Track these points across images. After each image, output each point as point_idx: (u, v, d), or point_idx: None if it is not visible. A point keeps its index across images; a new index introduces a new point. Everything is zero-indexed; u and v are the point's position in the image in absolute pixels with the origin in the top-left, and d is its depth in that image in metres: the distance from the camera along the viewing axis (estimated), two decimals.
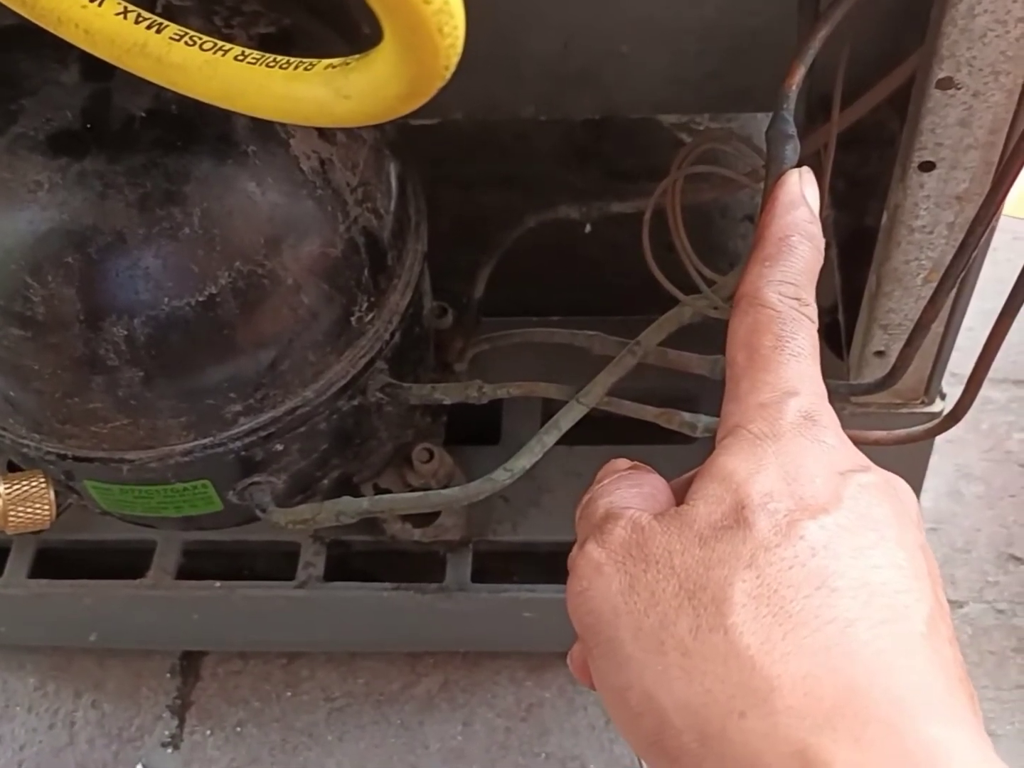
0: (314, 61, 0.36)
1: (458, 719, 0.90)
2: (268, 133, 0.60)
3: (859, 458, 0.37)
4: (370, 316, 0.68)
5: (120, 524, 0.80)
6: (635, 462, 0.41)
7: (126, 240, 0.58)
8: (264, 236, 0.60)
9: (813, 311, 0.40)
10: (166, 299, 0.59)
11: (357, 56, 0.34)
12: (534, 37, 0.75)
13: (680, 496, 0.37)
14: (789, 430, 0.36)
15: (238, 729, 0.91)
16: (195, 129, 0.59)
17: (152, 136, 0.58)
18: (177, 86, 0.40)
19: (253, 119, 0.56)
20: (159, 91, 0.57)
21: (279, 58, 0.37)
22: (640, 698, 0.33)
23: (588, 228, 0.81)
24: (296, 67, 0.36)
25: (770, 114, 1.01)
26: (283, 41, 0.63)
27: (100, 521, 0.81)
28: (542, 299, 0.97)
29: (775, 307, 0.39)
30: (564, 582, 0.88)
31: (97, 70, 0.59)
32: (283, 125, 0.60)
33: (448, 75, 0.31)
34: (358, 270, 0.66)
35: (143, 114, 0.59)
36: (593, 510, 0.38)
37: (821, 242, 0.43)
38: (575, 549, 0.38)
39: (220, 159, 0.59)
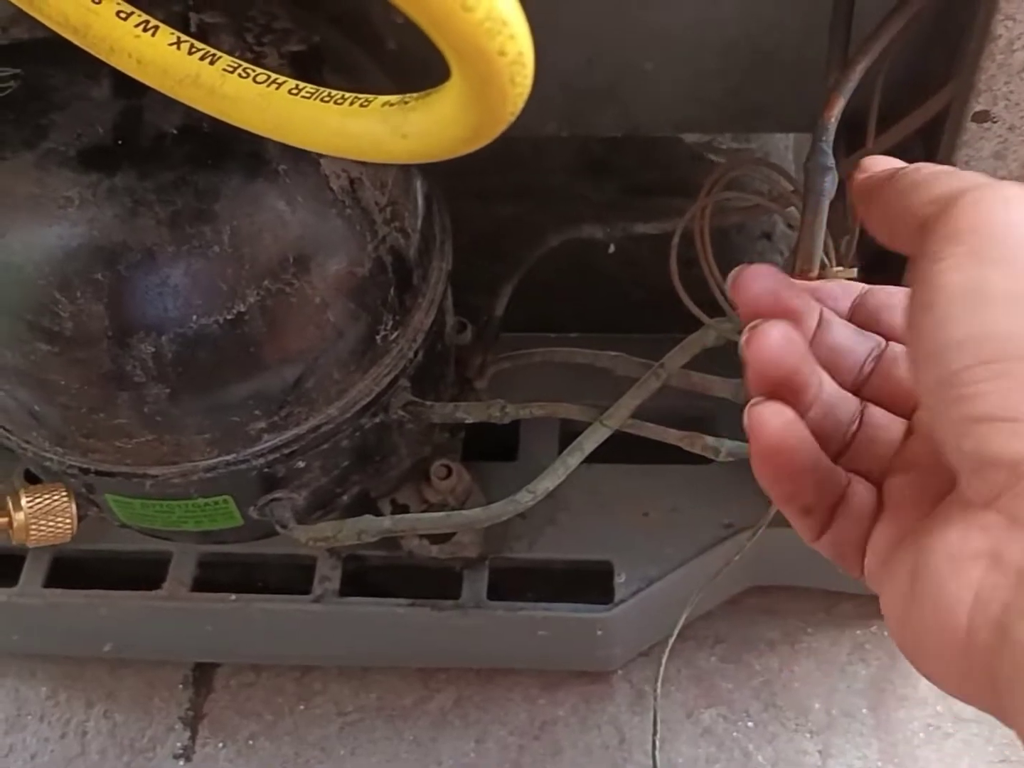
0: (370, 97, 0.36)
1: (471, 736, 0.90)
2: (299, 152, 0.59)
3: None
4: (395, 334, 0.68)
5: (136, 535, 0.80)
6: None
7: (155, 257, 0.57)
8: (293, 255, 0.60)
9: None
10: (194, 316, 0.58)
11: (416, 95, 0.34)
12: (557, 54, 0.75)
13: None
14: None
15: (250, 742, 0.90)
16: (226, 147, 0.59)
17: (183, 153, 0.58)
18: (229, 118, 0.40)
19: None
20: (191, 108, 0.58)
21: (334, 93, 0.37)
22: None
23: (612, 248, 0.81)
24: (352, 103, 0.36)
25: (788, 134, 1.02)
26: (313, 59, 0.63)
27: (116, 531, 0.81)
28: (559, 314, 0.97)
29: None
30: (579, 600, 0.87)
31: (129, 86, 0.59)
32: None
33: (512, 120, 0.31)
34: (384, 289, 0.66)
35: (174, 131, 0.59)
36: None
37: None
38: None
39: (251, 177, 0.59)
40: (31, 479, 0.84)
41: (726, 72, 0.76)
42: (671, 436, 0.70)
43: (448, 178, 0.74)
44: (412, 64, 0.72)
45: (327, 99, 0.37)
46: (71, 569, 0.88)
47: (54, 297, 0.58)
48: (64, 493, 0.66)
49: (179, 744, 0.91)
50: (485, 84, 0.28)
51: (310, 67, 0.62)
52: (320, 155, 0.61)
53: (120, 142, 0.58)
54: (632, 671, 0.93)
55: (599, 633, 0.85)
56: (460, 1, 0.24)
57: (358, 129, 0.36)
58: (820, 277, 0.55)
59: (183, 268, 0.58)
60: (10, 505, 0.65)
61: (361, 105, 0.36)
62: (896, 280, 0.69)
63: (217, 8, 0.63)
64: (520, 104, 0.30)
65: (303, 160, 0.60)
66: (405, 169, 0.67)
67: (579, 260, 0.99)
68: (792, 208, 0.65)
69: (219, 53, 0.39)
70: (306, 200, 0.61)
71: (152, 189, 0.58)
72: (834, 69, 0.57)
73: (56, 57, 0.61)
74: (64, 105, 0.60)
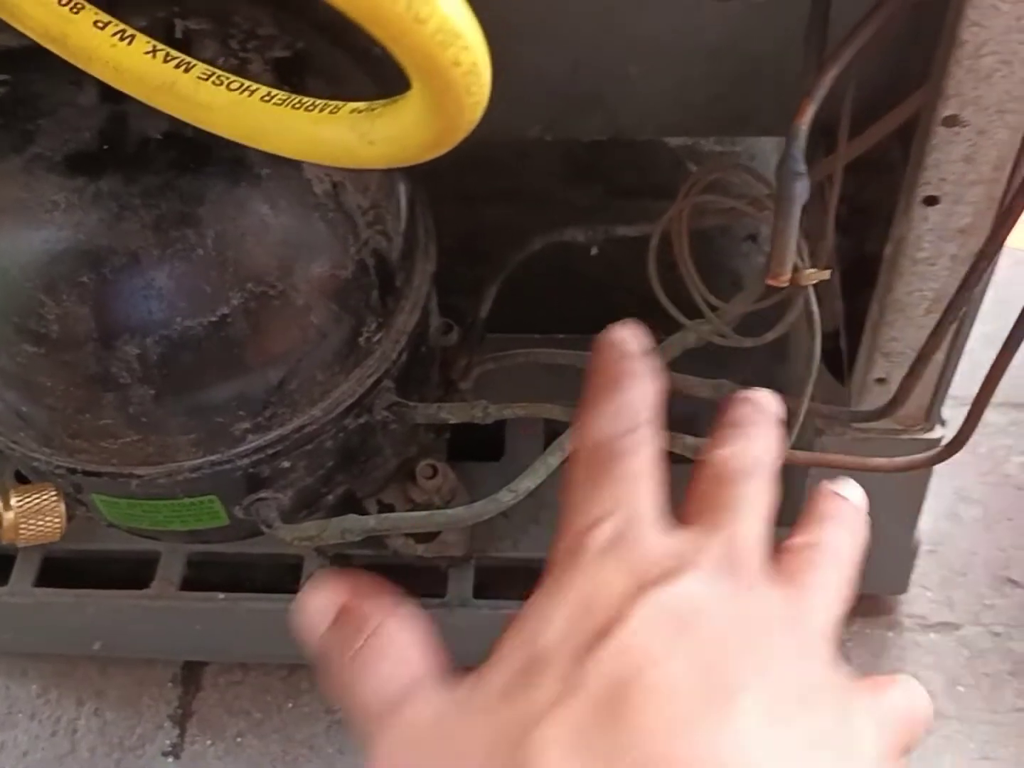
0: (339, 104, 0.37)
1: None
2: (282, 157, 0.61)
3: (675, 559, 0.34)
4: (378, 336, 0.69)
5: (125, 535, 0.80)
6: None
7: (140, 260, 0.58)
8: (276, 258, 0.61)
9: (646, 438, 0.38)
10: (179, 319, 0.59)
11: (383, 102, 0.35)
12: (542, 58, 0.75)
13: None
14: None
15: (239, 740, 0.91)
16: (210, 152, 0.59)
17: (168, 158, 0.59)
18: (204, 124, 0.41)
19: None
20: None
21: (305, 99, 0.38)
22: None
23: (594, 251, 0.82)
24: (322, 109, 0.37)
25: (774, 137, 1.02)
26: (298, 65, 0.64)
27: (105, 531, 0.81)
28: (542, 316, 0.98)
29: (603, 443, 0.38)
30: None
31: (114, 92, 0.60)
32: None
33: (472, 127, 0.32)
34: (367, 291, 0.66)
35: (159, 136, 0.59)
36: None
37: (652, 372, 0.41)
38: None
39: (234, 182, 0.60)
40: (21, 480, 0.85)
41: (711, 77, 0.77)
42: None
43: (432, 180, 0.75)
44: (396, 71, 0.73)
45: (298, 106, 0.38)
46: (61, 569, 0.89)
47: (40, 300, 0.58)
48: (53, 493, 0.67)
49: (168, 742, 0.92)
50: (441, 94, 0.29)
51: (294, 73, 0.63)
52: None
53: (106, 147, 0.59)
54: None
55: None
56: (413, 14, 0.25)
57: (328, 135, 0.37)
58: (793, 281, 0.56)
59: (167, 271, 0.59)
60: None
61: (331, 112, 0.37)
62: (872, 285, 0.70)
63: (202, 15, 0.63)
64: (478, 113, 0.31)
65: (286, 164, 0.61)
66: (388, 172, 0.67)
67: (561, 262, 1.00)
68: (768, 212, 0.66)
69: (194, 61, 0.40)
70: (289, 204, 0.61)
71: (137, 193, 0.58)
72: (809, 75, 0.58)
73: (43, 64, 0.61)
74: (51, 111, 0.60)
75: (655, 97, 0.80)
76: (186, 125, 0.59)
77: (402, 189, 0.70)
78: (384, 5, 0.25)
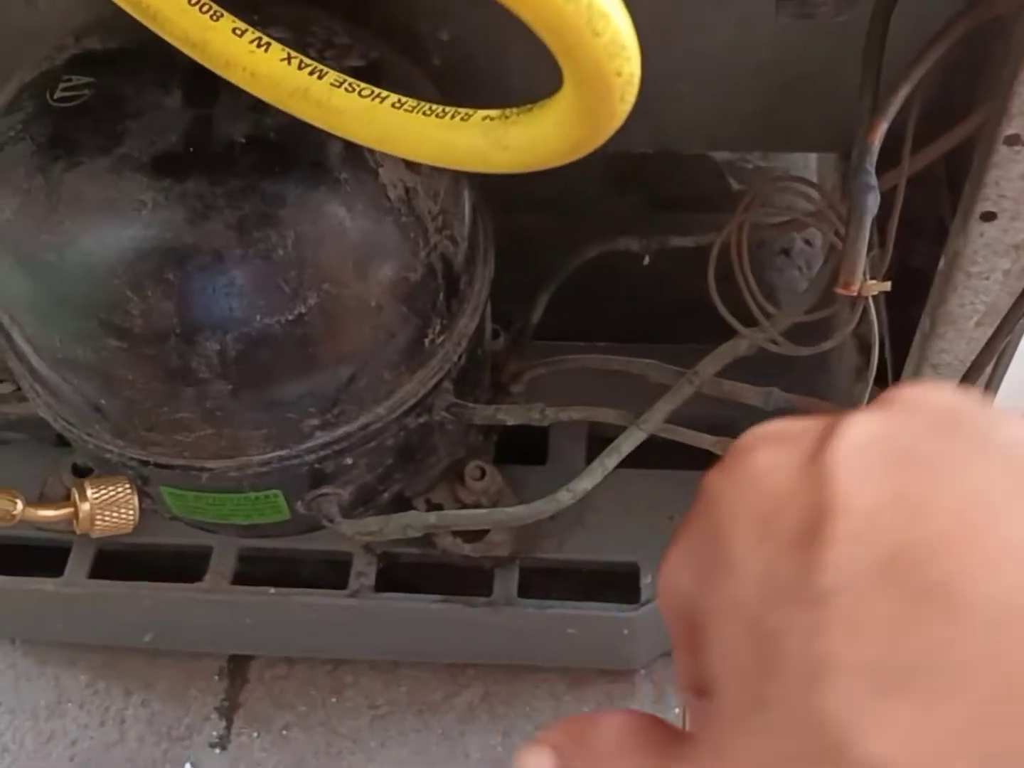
0: (470, 112, 0.39)
1: (498, 730, 0.93)
2: (359, 161, 0.63)
3: None
4: (441, 338, 0.71)
5: (178, 528, 0.82)
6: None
7: (223, 259, 0.60)
8: (352, 260, 0.63)
9: None
10: (258, 316, 0.61)
11: (517, 110, 0.37)
12: None
13: None
14: None
15: (284, 732, 0.93)
16: (291, 156, 0.62)
17: (251, 161, 0.61)
18: (336, 129, 0.43)
19: (347, 147, 0.59)
20: (259, 118, 0.61)
21: (435, 107, 0.40)
22: None
23: (647, 260, 0.84)
24: (452, 116, 0.39)
25: (816, 154, 1.04)
26: (373, 74, 0.65)
27: (157, 525, 0.83)
28: (584, 322, 0.99)
29: None
30: (605, 600, 0.89)
31: (199, 97, 0.63)
32: (373, 153, 0.62)
33: (611, 134, 0.34)
34: (434, 294, 0.69)
35: (243, 140, 0.61)
36: None
37: None
38: None
39: (314, 185, 0.62)
40: (78, 472, 0.87)
41: (757, 93, 0.79)
42: (705, 441, 0.73)
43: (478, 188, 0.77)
44: (456, 81, 0.75)
45: (428, 113, 0.40)
46: (115, 561, 0.91)
47: (126, 295, 0.60)
48: (127, 485, 0.69)
49: (215, 733, 0.94)
50: (598, 101, 0.31)
51: (370, 82, 0.65)
52: (379, 165, 0.64)
53: (191, 149, 0.61)
54: (655, 670, 0.95)
55: (625, 632, 0.88)
56: (591, 27, 0.27)
57: (459, 141, 0.39)
58: (859, 293, 0.58)
59: (249, 270, 0.61)
60: (76, 496, 0.67)
61: (462, 119, 0.39)
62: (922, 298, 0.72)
63: (280, 24, 0.65)
64: (622, 119, 0.33)
65: (363, 170, 0.63)
66: (456, 179, 0.69)
67: (605, 271, 1.02)
68: (826, 223, 0.68)
69: (326, 69, 0.42)
70: (365, 208, 0.63)
71: (221, 194, 0.60)
72: (867, 93, 0.60)
73: (127, 67, 0.64)
74: (137, 113, 0.62)
75: (702, 112, 0.82)
76: (269, 130, 0.62)
77: (467, 195, 0.72)
78: (566, 17, 0.27)
